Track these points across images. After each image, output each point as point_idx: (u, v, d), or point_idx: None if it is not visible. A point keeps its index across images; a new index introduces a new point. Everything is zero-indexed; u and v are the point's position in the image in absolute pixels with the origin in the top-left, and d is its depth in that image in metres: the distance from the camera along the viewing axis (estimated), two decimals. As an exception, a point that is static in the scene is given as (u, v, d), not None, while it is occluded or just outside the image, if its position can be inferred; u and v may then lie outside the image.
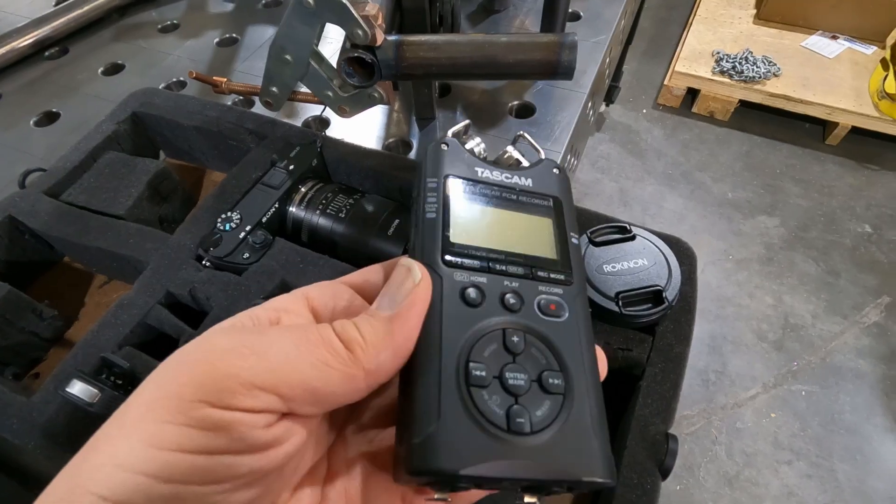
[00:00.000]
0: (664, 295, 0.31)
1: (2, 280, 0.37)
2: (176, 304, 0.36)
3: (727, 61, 1.76)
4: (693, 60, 1.82)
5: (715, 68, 1.77)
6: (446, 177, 0.18)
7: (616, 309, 0.31)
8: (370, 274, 0.20)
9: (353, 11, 0.34)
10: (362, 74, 0.38)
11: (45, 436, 0.29)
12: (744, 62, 1.74)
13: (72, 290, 0.43)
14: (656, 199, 1.69)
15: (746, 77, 1.71)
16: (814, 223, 1.59)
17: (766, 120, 1.83)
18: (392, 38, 0.37)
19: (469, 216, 0.18)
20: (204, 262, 0.37)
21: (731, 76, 1.74)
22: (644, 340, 0.32)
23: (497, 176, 0.19)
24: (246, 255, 0.36)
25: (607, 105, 1.88)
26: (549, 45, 0.35)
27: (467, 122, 0.23)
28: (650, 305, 0.31)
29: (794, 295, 1.45)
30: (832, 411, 1.26)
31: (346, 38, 0.36)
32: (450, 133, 0.21)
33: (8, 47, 0.64)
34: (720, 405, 1.29)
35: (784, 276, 1.49)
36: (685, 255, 0.35)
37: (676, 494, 1.18)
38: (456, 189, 0.18)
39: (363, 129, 0.56)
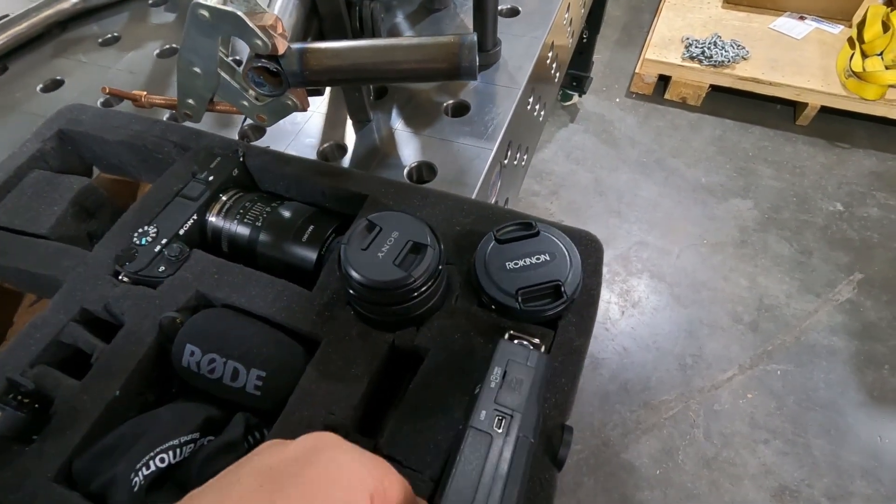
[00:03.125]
0: (563, 289, 0.32)
1: (-74, 304, 0.37)
2: (93, 320, 0.36)
3: (696, 46, 1.77)
4: (663, 47, 1.82)
5: (685, 54, 1.78)
6: None
7: (516, 305, 0.32)
8: None
9: (249, 22, 0.34)
10: (272, 83, 0.39)
11: (-47, 458, 0.30)
12: (713, 47, 1.75)
13: (1, 310, 0.43)
14: (631, 188, 1.70)
15: (716, 62, 1.72)
16: (786, 204, 1.60)
17: (737, 103, 1.84)
18: (296, 46, 0.37)
19: None
20: (120, 277, 0.37)
21: (700, 61, 1.74)
22: (546, 335, 0.32)
23: None
24: (161, 268, 0.37)
25: (580, 95, 1.88)
26: (447, 47, 0.35)
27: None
28: (549, 300, 0.32)
29: (768, 276, 1.46)
30: (807, 389, 1.28)
31: (250, 48, 0.37)
32: None
33: (-55, 68, 0.64)
34: (697, 388, 1.31)
35: (758, 257, 1.50)
36: (591, 248, 0.36)
37: (656, 479, 1.19)
38: None
39: (300, 134, 0.56)
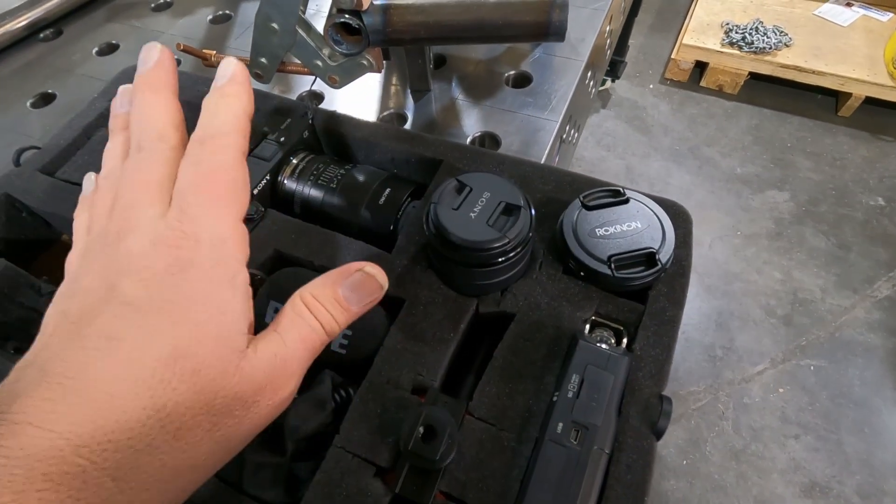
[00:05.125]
0: (657, 257, 0.31)
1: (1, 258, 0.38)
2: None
3: (737, 32, 1.72)
4: (701, 32, 1.77)
5: (724, 40, 1.73)
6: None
7: (608, 272, 0.31)
8: None
9: (337, -26, 0.33)
10: (350, 41, 0.38)
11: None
12: (754, 32, 1.70)
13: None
14: (663, 176, 1.67)
15: (756, 48, 1.67)
16: (825, 197, 1.56)
17: (776, 92, 1.79)
18: (379, 2, 0.36)
19: None
20: (196, 235, 0.37)
21: (740, 48, 1.70)
22: (635, 310, 0.31)
23: None
24: (238, 226, 0.36)
25: (613, 81, 1.85)
26: (539, 5, 0.34)
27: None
28: (643, 268, 0.31)
29: (803, 270, 1.43)
30: (841, 385, 1.25)
31: (332, 3, 0.36)
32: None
33: (2, 30, 0.64)
34: (727, 381, 1.29)
35: (793, 250, 1.47)
36: (680, 218, 0.34)
37: (682, 469, 1.19)
38: None
39: (358, 102, 0.55)
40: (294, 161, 0.41)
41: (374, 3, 0.36)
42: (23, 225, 0.42)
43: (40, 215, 0.42)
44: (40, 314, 0.40)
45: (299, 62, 0.41)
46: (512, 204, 0.30)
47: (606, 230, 0.32)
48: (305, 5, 0.39)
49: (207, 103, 0.22)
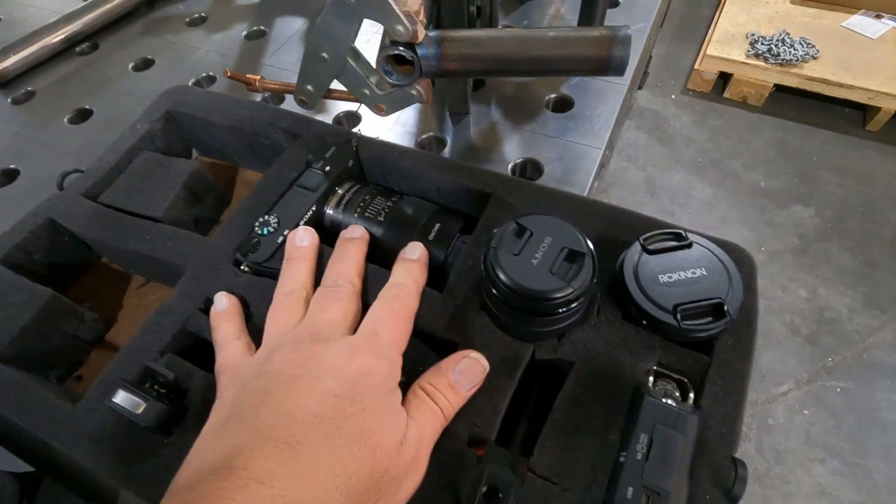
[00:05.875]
0: (725, 308, 0.29)
1: (43, 283, 0.37)
2: (215, 310, 0.35)
3: (762, 43, 1.69)
4: (726, 43, 1.75)
5: (749, 51, 1.70)
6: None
7: (674, 322, 0.29)
8: None
9: (395, 7, 0.32)
10: (402, 72, 0.37)
11: (92, 445, 0.29)
12: (780, 44, 1.67)
13: (110, 291, 0.43)
14: (684, 188, 1.64)
15: (783, 60, 1.64)
16: (852, 213, 1.53)
17: (802, 105, 1.76)
18: (432, 33, 0.35)
19: None
20: (242, 268, 0.36)
21: (766, 59, 1.67)
22: (700, 361, 0.30)
23: None
24: (284, 260, 0.36)
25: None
26: (600, 40, 0.33)
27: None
28: (710, 319, 0.30)
29: (829, 288, 1.40)
30: (869, 408, 1.22)
31: (385, 34, 0.35)
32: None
33: (41, 43, 0.64)
34: (750, 401, 1.26)
35: (819, 268, 1.44)
36: (744, 264, 0.33)
37: (703, 490, 1.16)
38: None
39: (396, 125, 0.55)
40: (340, 191, 0.40)
41: (429, 35, 0.35)
42: (65, 249, 0.42)
43: (82, 240, 0.42)
44: (82, 341, 0.40)
45: (345, 89, 0.41)
46: (575, 251, 0.29)
47: (670, 277, 0.31)
48: (356, 35, 0.38)
49: (399, 266, 0.32)
